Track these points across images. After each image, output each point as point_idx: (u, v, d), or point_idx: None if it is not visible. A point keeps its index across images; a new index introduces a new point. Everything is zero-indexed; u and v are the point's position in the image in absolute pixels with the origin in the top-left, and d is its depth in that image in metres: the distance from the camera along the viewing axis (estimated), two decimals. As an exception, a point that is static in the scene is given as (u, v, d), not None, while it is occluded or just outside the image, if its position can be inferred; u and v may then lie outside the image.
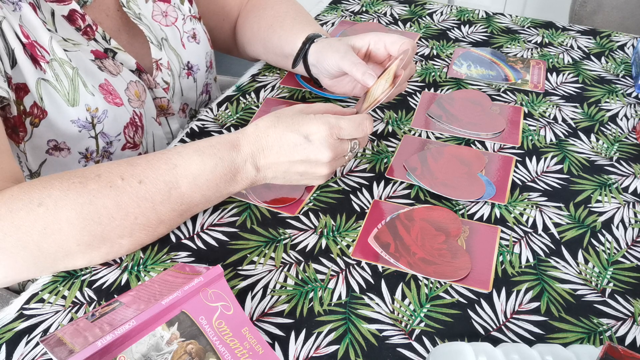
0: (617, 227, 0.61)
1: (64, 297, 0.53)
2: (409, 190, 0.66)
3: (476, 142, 0.74)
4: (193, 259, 0.57)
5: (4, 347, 0.49)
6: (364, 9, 1.09)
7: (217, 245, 0.59)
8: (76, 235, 0.51)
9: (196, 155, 0.56)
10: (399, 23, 1.04)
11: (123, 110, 0.68)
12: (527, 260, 0.57)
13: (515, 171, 0.69)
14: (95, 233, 0.52)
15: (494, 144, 0.73)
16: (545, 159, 0.71)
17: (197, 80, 0.82)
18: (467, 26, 1.03)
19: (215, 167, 0.56)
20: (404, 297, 0.53)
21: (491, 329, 0.51)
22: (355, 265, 0.56)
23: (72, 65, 0.63)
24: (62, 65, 0.62)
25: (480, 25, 1.03)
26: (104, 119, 0.66)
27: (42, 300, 0.53)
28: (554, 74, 0.89)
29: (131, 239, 0.54)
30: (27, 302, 0.53)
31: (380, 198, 0.65)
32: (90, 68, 0.65)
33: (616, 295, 0.54)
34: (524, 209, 0.63)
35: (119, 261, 0.57)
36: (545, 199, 0.65)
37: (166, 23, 0.77)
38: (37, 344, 0.49)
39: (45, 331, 0.50)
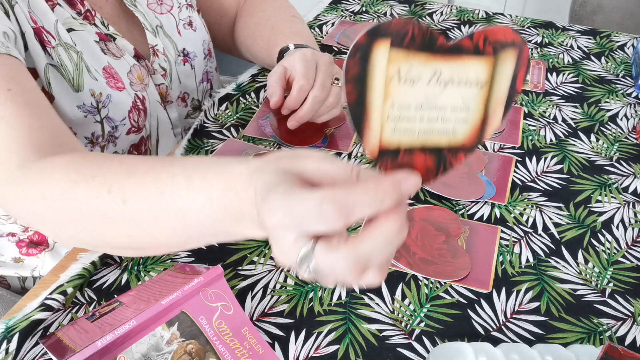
0: (617, 227, 0.61)
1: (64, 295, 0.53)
2: (409, 190, 0.66)
3: (476, 142, 0.74)
4: (193, 259, 0.57)
5: (15, 338, 0.48)
6: (364, 9, 1.09)
7: (217, 245, 0.59)
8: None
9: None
10: (399, 23, 1.04)
11: (125, 95, 0.68)
12: (527, 260, 0.57)
13: (515, 171, 0.69)
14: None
15: (494, 144, 0.73)
16: (545, 159, 0.71)
17: (195, 68, 0.82)
18: (467, 26, 1.03)
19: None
20: (404, 297, 0.53)
21: (491, 329, 0.51)
22: (355, 265, 0.56)
23: (77, 49, 0.64)
24: (67, 50, 0.63)
25: (480, 25, 1.03)
26: (108, 103, 0.66)
27: (63, 293, 0.52)
28: (554, 74, 0.89)
29: None
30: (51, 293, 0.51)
31: (380, 198, 0.64)
32: (94, 50, 0.66)
33: (616, 295, 0.54)
34: (524, 209, 0.63)
35: (118, 261, 0.57)
36: (545, 199, 0.65)
37: (161, 11, 0.77)
38: (37, 343, 0.49)
39: (45, 331, 0.50)
